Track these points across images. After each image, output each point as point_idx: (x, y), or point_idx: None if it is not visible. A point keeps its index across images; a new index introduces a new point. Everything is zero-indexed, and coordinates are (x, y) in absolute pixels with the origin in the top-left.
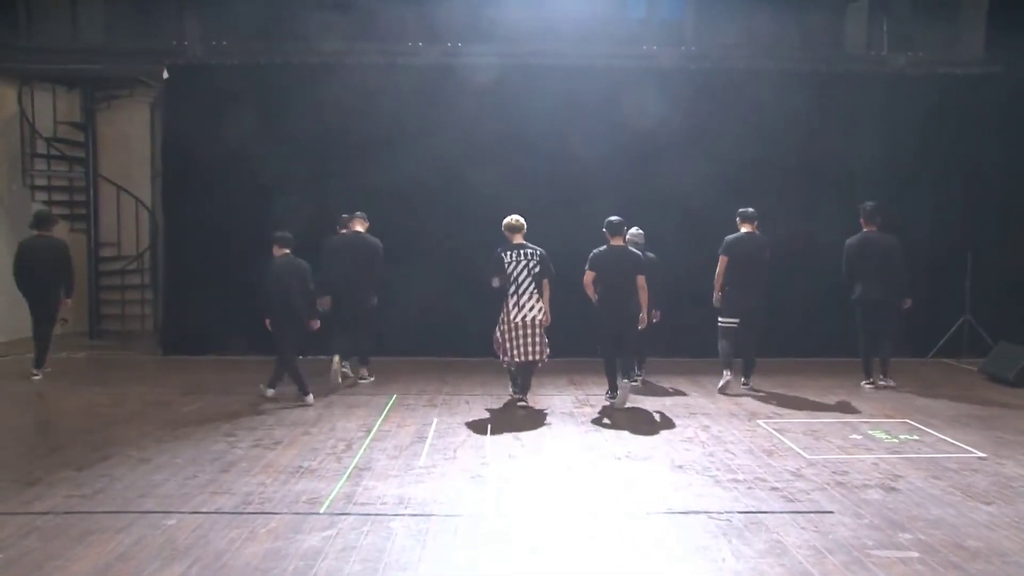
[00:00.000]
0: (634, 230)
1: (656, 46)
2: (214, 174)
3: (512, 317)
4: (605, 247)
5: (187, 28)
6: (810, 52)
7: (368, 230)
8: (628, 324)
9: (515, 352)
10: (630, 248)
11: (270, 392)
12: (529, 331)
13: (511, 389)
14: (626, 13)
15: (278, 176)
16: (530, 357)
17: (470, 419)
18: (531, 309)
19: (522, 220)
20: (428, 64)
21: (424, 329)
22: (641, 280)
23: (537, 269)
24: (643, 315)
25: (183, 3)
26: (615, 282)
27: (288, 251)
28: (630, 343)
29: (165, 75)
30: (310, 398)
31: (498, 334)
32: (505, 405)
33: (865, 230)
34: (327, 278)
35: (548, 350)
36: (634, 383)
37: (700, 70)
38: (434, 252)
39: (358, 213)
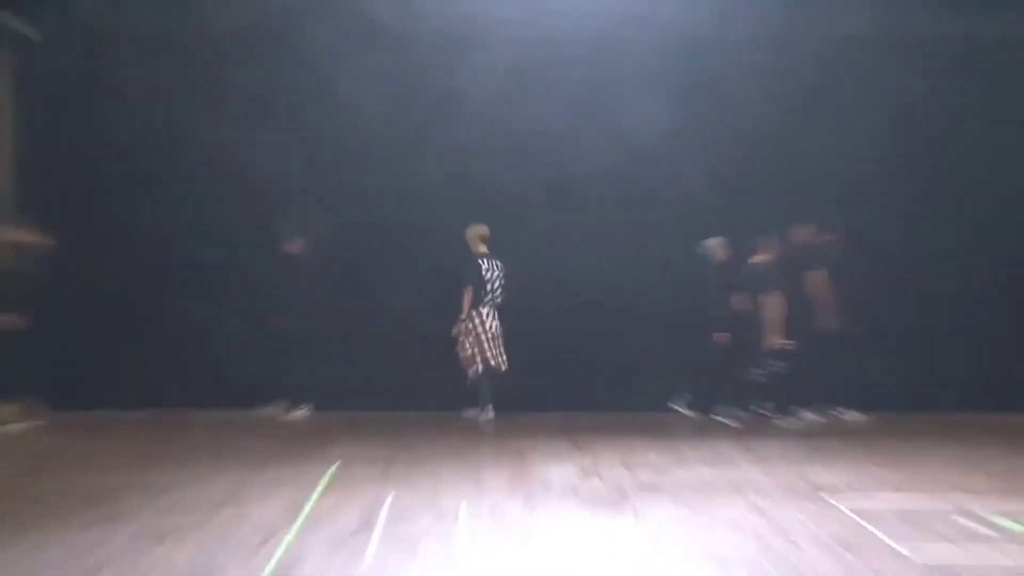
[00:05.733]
0: None
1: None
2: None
3: (488, 327)
4: None
5: None
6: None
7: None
8: None
9: (490, 357)
10: None
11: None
12: (499, 340)
13: (482, 414)
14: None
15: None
16: (503, 366)
17: (436, 496)
18: (496, 318)
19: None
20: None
21: (376, 378)
22: None
23: (504, 281)
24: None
25: None
26: None
27: None
28: None
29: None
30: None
31: (467, 346)
32: (482, 429)
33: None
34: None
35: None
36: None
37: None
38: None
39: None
